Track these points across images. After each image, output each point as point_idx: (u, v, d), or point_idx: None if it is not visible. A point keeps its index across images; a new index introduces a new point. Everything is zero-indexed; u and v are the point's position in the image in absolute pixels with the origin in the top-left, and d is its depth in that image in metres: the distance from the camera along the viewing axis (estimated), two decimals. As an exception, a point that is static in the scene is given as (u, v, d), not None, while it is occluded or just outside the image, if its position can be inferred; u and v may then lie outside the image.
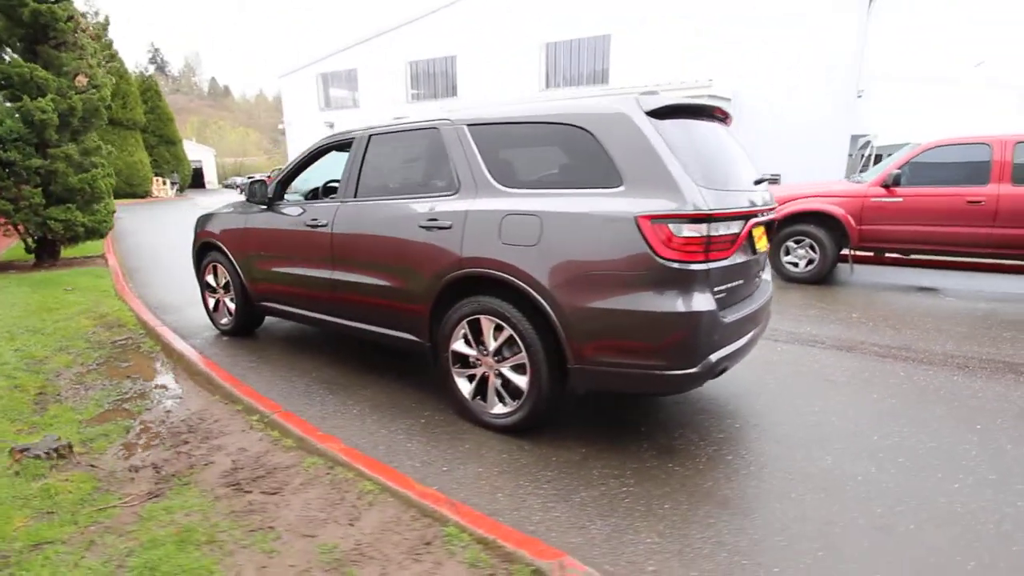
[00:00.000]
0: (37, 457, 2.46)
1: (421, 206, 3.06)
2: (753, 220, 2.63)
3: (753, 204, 2.68)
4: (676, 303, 2.33)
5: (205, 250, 4.73)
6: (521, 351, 2.70)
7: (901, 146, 9.61)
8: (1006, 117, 19.28)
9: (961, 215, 5.83)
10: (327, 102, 26.34)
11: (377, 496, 2.17)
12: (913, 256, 7.03)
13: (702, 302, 2.35)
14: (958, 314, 5.26)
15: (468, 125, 2.98)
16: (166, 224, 14.99)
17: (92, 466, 2.49)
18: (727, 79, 15.22)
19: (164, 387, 3.56)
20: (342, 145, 3.87)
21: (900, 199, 6.13)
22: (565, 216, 2.51)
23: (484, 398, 2.95)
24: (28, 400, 3.22)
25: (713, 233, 2.34)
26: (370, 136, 3.50)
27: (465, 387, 3.00)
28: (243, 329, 4.62)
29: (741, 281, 2.71)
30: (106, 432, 2.83)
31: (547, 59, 19.33)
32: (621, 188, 2.43)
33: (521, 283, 2.60)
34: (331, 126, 25.32)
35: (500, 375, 2.85)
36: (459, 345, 2.97)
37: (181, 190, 31.41)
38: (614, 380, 2.53)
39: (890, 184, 6.18)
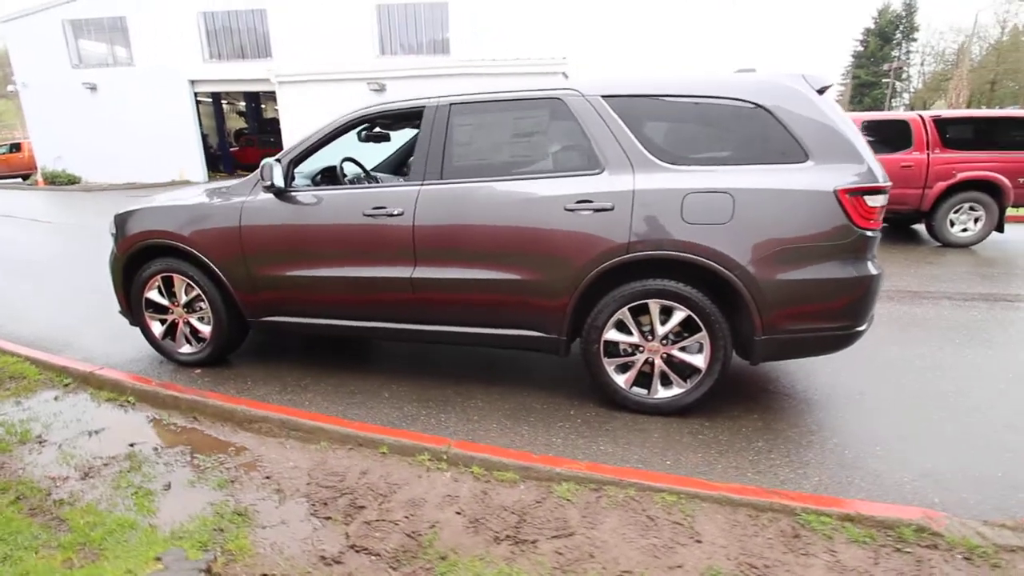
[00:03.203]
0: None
1: (558, 187, 2.74)
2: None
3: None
4: (864, 267, 2.57)
5: (142, 258, 3.47)
6: (701, 330, 2.67)
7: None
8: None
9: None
10: (80, 58, 20.58)
11: (687, 504, 1.99)
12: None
13: (876, 265, 2.63)
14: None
15: (605, 97, 2.74)
16: None
17: None
18: (579, 56, 16.16)
19: (231, 448, 2.60)
20: (392, 117, 3.19)
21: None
22: (761, 192, 2.52)
23: (642, 385, 2.85)
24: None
25: (885, 202, 2.61)
26: (451, 105, 2.95)
27: (618, 377, 2.85)
28: (221, 356, 3.55)
29: None
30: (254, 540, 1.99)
31: (380, 22, 18.01)
32: (809, 163, 2.53)
33: (710, 262, 2.56)
34: (93, 88, 20.02)
35: (667, 358, 2.78)
36: (613, 334, 2.80)
37: None
38: (798, 346, 2.68)
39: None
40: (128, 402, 2.97)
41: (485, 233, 2.84)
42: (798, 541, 1.84)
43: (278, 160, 3.07)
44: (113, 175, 19.96)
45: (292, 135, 17.22)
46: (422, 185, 2.94)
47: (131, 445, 2.55)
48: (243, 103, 27.34)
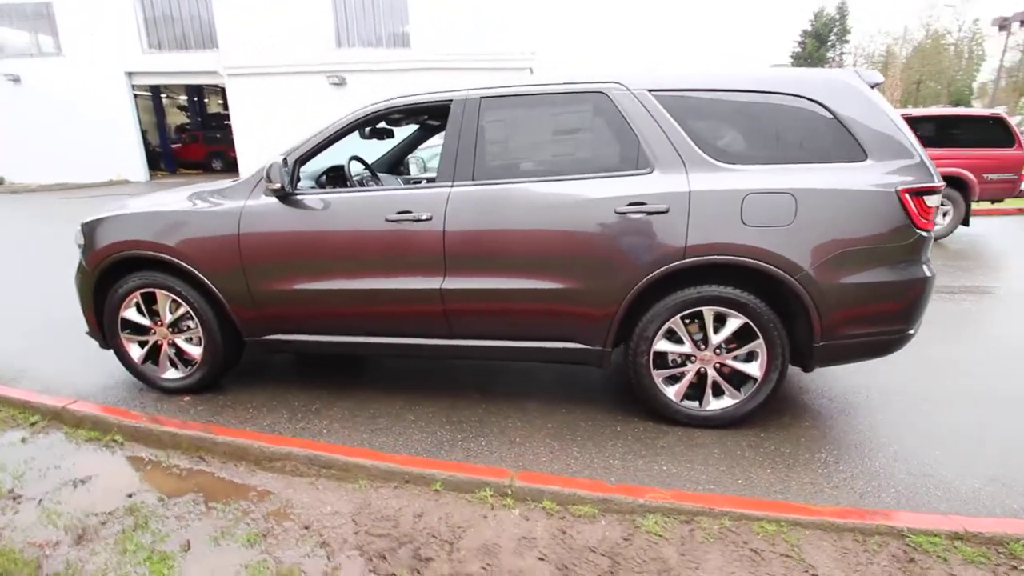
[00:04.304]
0: None
1: (606, 188, 2.54)
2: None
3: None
4: (922, 269, 2.50)
5: (117, 272, 3.04)
6: (757, 338, 2.54)
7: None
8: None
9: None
10: (0, 48, 18.70)
11: (790, 533, 1.84)
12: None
13: (930, 266, 2.57)
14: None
15: (652, 91, 2.56)
16: None
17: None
18: (546, 51, 15.94)
19: (252, 493, 2.25)
20: (412, 111, 2.90)
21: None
22: (823, 193, 2.40)
23: (691, 397, 2.70)
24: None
25: (939, 203, 2.55)
26: (481, 99, 2.69)
27: (667, 389, 2.69)
28: (213, 380, 3.16)
29: None
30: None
31: (336, 13, 17.21)
32: (868, 161, 2.43)
33: (772, 267, 2.42)
34: (16, 80, 18.27)
35: (719, 368, 2.64)
36: (663, 344, 2.63)
37: None
38: (854, 351, 2.60)
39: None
40: (115, 441, 2.56)
41: (525, 239, 2.61)
42: (915, 566, 1.72)
43: (285, 160, 2.72)
44: (41, 175, 18.26)
45: (244, 131, 16.27)
46: (452, 187, 2.67)
47: (129, 496, 2.17)
48: (184, 97, 25.70)
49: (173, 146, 22.86)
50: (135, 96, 18.84)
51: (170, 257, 2.91)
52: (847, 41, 54.72)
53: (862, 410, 2.89)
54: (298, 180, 2.88)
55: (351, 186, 3.26)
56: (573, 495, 2.02)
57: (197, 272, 2.89)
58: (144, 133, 19.67)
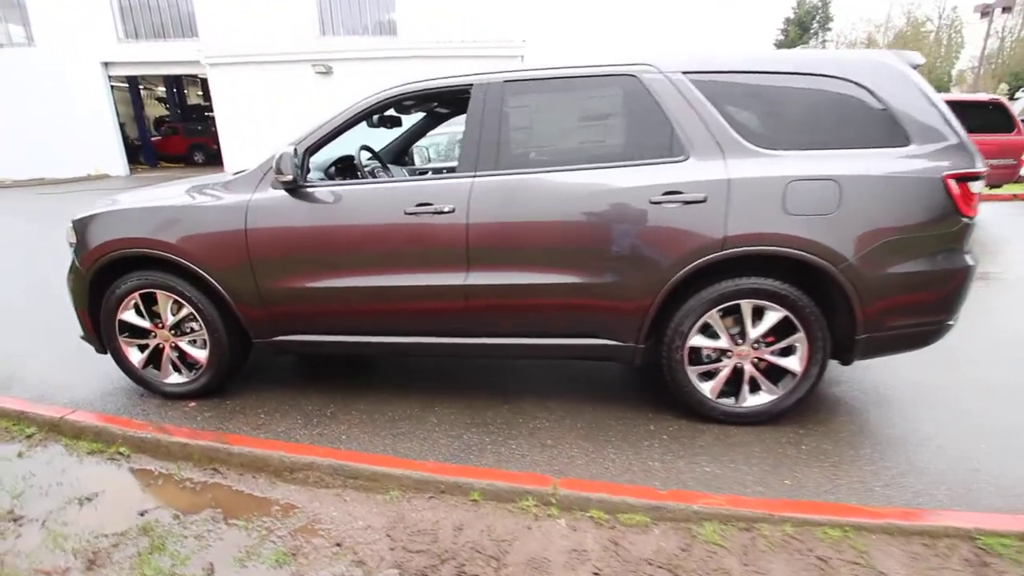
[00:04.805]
0: None
1: (639, 177, 2.41)
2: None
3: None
4: (966, 258, 2.42)
5: (113, 272, 2.85)
6: (797, 331, 2.45)
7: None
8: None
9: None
10: (-36, 36, 17.92)
11: (856, 538, 1.75)
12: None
13: (972, 255, 2.49)
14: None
15: (687, 73, 2.43)
16: None
17: None
18: (537, 40, 15.71)
19: (275, 507, 2.10)
20: (429, 96, 2.74)
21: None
22: (868, 179, 2.30)
23: (728, 394, 2.60)
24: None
25: (982, 189, 2.47)
26: (504, 83, 2.54)
27: (702, 385, 2.59)
28: (219, 384, 2.99)
29: None
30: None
31: (320, 0, 16.76)
32: (912, 146, 2.34)
33: (816, 257, 2.32)
34: (-16, 72, 17.52)
35: (756, 363, 2.54)
36: (698, 340, 2.53)
37: None
38: (895, 343, 2.52)
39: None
40: (120, 454, 2.40)
41: (553, 231, 2.47)
42: (989, 570, 1.65)
43: (295, 149, 2.54)
44: (15, 171, 17.61)
45: (227, 122, 15.81)
46: (475, 177, 2.52)
47: (141, 514, 2.01)
48: (163, 88, 24.95)
49: (153, 139, 22.23)
50: (112, 88, 18.22)
51: (171, 255, 2.72)
52: (830, 29, 55.06)
53: (896, 403, 2.83)
54: (307, 171, 2.71)
55: (362, 177, 3.10)
56: (622, 503, 1.91)
57: (201, 270, 2.71)
58: (122, 126, 19.06)
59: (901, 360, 3.16)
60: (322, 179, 2.92)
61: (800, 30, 54.41)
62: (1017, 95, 24.80)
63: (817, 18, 55.47)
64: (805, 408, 2.70)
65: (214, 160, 19.84)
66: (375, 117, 3.20)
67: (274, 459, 2.21)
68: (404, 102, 2.86)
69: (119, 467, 2.33)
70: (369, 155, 3.35)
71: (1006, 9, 22.21)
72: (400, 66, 14.45)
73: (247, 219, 2.66)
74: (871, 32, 49.28)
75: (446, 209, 2.50)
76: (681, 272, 2.40)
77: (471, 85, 2.58)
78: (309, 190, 2.64)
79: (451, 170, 2.67)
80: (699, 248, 2.37)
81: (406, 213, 2.54)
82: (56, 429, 2.55)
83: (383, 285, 2.61)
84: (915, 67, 2.45)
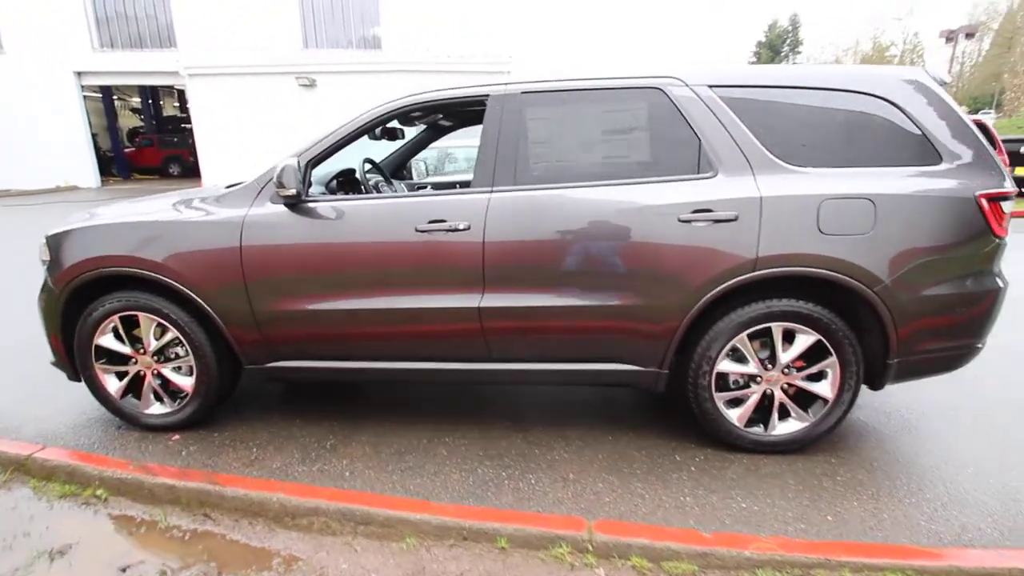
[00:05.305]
0: None
1: (666, 194, 2.29)
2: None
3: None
4: (997, 279, 2.35)
5: (90, 292, 2.61)
6: (830, 356, 2.34)
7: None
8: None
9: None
10: (-74, 43, 17.22)
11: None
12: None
13: (1003, 277, 2.42)
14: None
15: (714, 87, 2.33)
16: None
17: None
18: (523, 57, 15.78)
19: (276, 559, 1.87)
20: (440, 107, 2.59)
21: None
22: (903, 199, 2.22)
23: (755, 421, 2.48)
24: None
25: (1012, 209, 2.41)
26: (522, 94, 2.41)
27: (730, 413, 2.46)
28: (206, 414, 2.75)
29: None
30: None
31: (304, 12, 16.59)
32: (943, 165, 2.27)
33: (850, 279, 2.22)
34: (-53, 80, 16.84)
35: (787, 388, 2.43)
36: (726, 365, 2.40)
37: None
38: (926, 367, 2.43)
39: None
40: (97, 498, 2.14)
41: (574, 250, 2.34)
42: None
43: (298, 162, 2.36)
44: (-24, 181, 16.90)
45: (206, 134, 15.42)
46: (492, 192, 2.37)
47: (123, 570, 1.78)
48: (137, 99, 24.36)
49: (127, 150, 21.63)
50: (85, 97, 17.69)
51: (156, 274, 2.50)
52: (799, 52, 57.11)
53: (921, 427, 2.74)
54: (309, 185, 2.53)
55: (366, 192, 2.92)
56: (665, 549, 1.75)
57: (189, 291, 2.49)
58: (95, 137, 18.49)
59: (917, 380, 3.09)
60: (323, 193, 2.74)
61: (772, 52, 56.31)
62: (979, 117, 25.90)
63: (787, 41, 57.55)
64: (832, 434, 2.59)
65: (191, 172, 19.36)
66: (378, 129, 3.05)
67: (273, 503, 1.99)
68: (412, 113, 2.71)
69: (96, 513, 2.07)
70: (370, 168, 3.18)
71: (969, 35, 23.27)
72: (385, 80, 14.32)
73: (242, 236, 2.46)
74: (839, 56, 51.12)
75: (461, 226, 2.34)
76: (710, 294, 2.28)
77: (487, 96, 2.44)
78: (312, 205, 2.46)
79: (464, 184, 2.52)
80: (729, 269, 2.25)
81: (417, 230, 2.37)
82: (23, 469, 2.28)
83: (392, 307, 2.43)
84: (942, 84, 2.40)
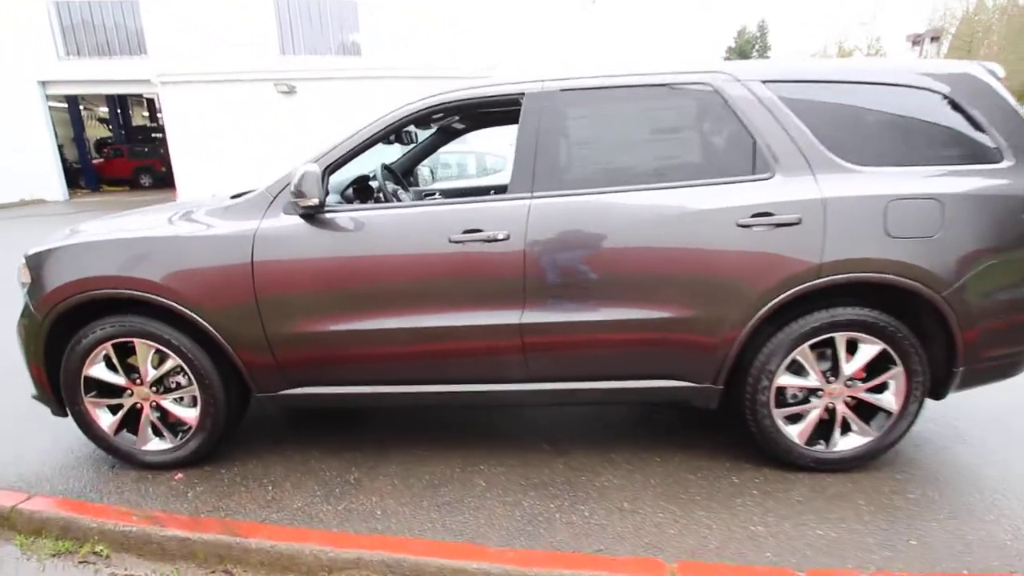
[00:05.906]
0: None
1: (722, 197, 2.13)
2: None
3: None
4: (1063, 280, 2.25)
5: (78, 318, 2.32)
6: (895, 365, 2.20)
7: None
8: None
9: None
10: None
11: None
12: None
13: (1065, 278, 2.32)
14: None
15: (767, 83, 2.19)
16: None
17: None
18: (511, 64, 15.65)
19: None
20: (471, 107, 2.40)
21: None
22: (969, 198, 2.10)
23: (820, 437, 2.32)
24: None
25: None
26: (561, 92, 2.23)
27: (790, 429, 2.30)
28: (213, 449, 2.48)
29: None
30: None
31: (280, 18, 16.18)
32: (1005, 163, 2.15)
33: (919, 284, 2.09)
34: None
35: (849, 401, 2.28)
36: (785, 378, 2.24)
37: None
38: (990, 374, 2.31)
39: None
40: (97, 555, 1.86)
41: (624, 259, 2.16)
42: None
43: (319, 168, 2.13)
44: (-65, 196, 16.02)
45: (180, 143, 14.87)
46: (532, 198, 2.18)
47: (136, 646, 1.51)
48: (105, 108, 23.51)
49: (95, 162, 20.82)
50: (50, 108, 16.94)
51: (154, 295, 2.24)
52: (768, 57, 58.54)
53: (976, 435, 2.62)
54: (327, 194, 2.30)
55: (385, 200, 2.70)
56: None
57: (192, 313, 2.24)
58: (61, 148, 17.73)
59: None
60: (339, 202, 2.51)
61: (741, 58, 57.61)
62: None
63: (756, 47, 58.93)
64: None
65: (163, 183, 18.71)
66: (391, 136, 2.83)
67: (306, 555, 1.74)
68: (436, 115, 2.51)
69: (97, 573, 1.80)
70: (387, 174, 2.95)
71: (935, 38, 24.02)
72: (365, 87, 14.05)
73: (254, 251, 2.21)
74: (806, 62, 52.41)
75: (500, 236, 2.14)
76: (772, 303, 2.12)
77: (523, 94, 2.25)
78: (332, 216, 2.23)
79: (500, 190, 2.32)
80: (792, 276, 2.10)
81: (451, 241, 2.16)
82: (7, 523, 1.99)
83: (424, 326, 2.21)
84: (998, 79, 2.30)
